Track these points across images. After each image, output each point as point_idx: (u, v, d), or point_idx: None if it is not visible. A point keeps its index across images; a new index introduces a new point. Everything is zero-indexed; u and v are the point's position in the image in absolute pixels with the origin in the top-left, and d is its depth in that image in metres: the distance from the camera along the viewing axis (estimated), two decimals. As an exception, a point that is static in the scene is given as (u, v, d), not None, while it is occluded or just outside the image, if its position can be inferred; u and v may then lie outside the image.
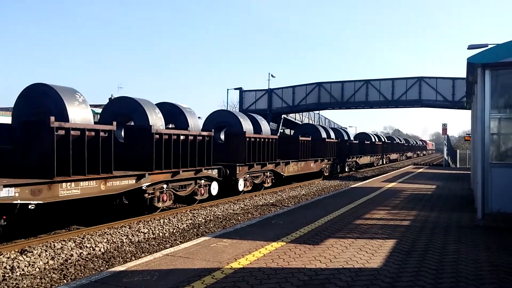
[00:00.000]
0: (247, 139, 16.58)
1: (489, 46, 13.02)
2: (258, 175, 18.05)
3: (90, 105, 10.62)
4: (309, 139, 24.04)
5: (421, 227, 8.59)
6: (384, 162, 46.23)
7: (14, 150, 9.62)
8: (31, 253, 8.01)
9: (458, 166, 39.95)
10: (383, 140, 48.49)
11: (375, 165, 41.80)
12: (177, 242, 9.47)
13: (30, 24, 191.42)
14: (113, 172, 10.36)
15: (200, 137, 13.82)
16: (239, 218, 12.37)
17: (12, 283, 6.68)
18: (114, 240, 9.34)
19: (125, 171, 11.10)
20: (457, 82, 31.35)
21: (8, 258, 7.69)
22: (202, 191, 14.13)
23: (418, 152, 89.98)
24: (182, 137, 12.83)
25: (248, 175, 17.02)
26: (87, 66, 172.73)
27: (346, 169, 31.09)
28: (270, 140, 18.70)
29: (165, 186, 12.40)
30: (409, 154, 72.49)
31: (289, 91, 38.05)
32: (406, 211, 10.64)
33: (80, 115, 10.02)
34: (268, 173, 18.94)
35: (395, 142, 58.77)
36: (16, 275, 7.05)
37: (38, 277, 7.06)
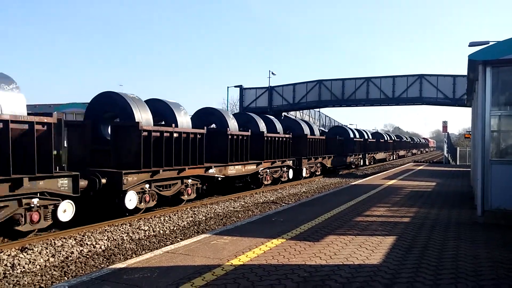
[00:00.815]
0: (308, 139, 22.97)
1: (490, 43, 13.00)
2: (312, 166, 24.20)
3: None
4: (343, 138, 30.86)
5: (421, 224, 8.60)
6: (394, 158, 52.52)
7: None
8: (31, 251, 8.03)
9: (458, 163, 39.91)
10: (393, 138, 54.66)
11: (387, 160, 47.39)
12: (178, 239, 9.49)
13: (30, 24, 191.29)
14: (248, 160, 17.01)
15: (285, 138, 20.20)
16: (239, 215, 12.39)
17: (13, 280, 6.70)
18: (114, 238, 9.35)
19: (252, 160, 17.41)
20: (458, 80, 31.31)
21: (8, 255, 7.71)
22: (285, 175, 20.53)
23: (422, 149, 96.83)
24: (277, 138, 19.36)
25: (307, 166, 23.18)
26: (87, 65, 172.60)
27: (367, 163, 37.33)
28: (320, 140, 25.29)
29: (268, 170, 18.80)
30: (414, 151, 79.15)
31: (289, 88, 38.00)
32: (406, 208, 10.64)
33: (233, 125, 16.67)
34: (318, 164, 25.24)
35: (403, 140, 66.17)
36: (17, 272, 7.07)
37: (39, 274, 7.08)
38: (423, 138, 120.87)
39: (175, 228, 10.61)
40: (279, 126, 21.36)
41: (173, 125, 12.77)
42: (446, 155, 39.82)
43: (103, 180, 10.71)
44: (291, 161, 21.05)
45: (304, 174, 22.56)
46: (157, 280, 5.03)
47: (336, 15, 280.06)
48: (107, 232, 9.75)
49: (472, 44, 20.26)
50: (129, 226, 10.41)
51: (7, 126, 8.05)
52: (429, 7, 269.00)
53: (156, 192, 12.08)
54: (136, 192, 11.30)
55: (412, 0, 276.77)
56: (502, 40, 9.04)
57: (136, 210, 11.43)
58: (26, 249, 8.11)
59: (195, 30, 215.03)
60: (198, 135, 13.44)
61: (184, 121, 13.71)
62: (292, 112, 40.94)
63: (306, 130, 23.94)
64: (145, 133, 11.43)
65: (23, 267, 7.30)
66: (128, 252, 8.49)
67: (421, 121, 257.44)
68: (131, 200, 11.08)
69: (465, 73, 11.41)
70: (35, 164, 8.47)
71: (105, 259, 8.06)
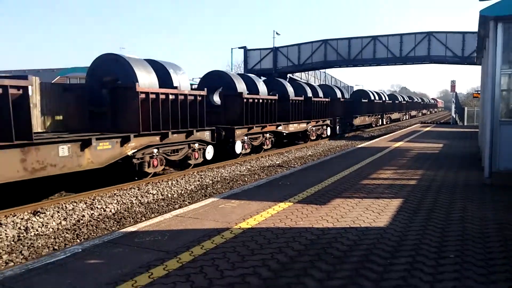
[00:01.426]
0: (341, 102, 28.19)
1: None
2: (343, 124, 28.91)
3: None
4: (367, 100, 35.05)
5: (428, 186, 8.63)
6: (407, 118, 56.60)
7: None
8: (43, 214, 8.20)
9: (465, 124, 39.63)
10: (406, 99, 58.56)
11: (401, 120, 51.73)
12: (186, 203, 9.63)
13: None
14: (302, 120, 21.75)
15: (325, 102, 25.09)
16: (246, 179, 12.49)
17: (27, 243, 6.89)
18: (124, 201, 9.51)
19: (302, 120, 21.99)
20: (467, 37, 30.50)
21: (22, 219, 7.89)
22: (325, 133, 25.60)
23: (431, 110, 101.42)
24: (320, 102, 24.17)
25: (340, 124, 28.07)
26: (89, 30, 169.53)
27: (385, 122, 41.92)
28: (350, 102, 30.58)
29: (314, 128, 23.78)
30: (424, 111, 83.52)
31: (294, 49, 37.31)
32: (413, 171, 10.66)
33: (291, 92, 21.30)
34: (347, 123, 29.92)
35: (414, 101, 71.52)
36: (31, 235, 7.25)
37: (52, 236, 7.26)
38: (432, 99, 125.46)
39: (182, 192, 10.74)
40: (320, 92, 25.81)
41: (260, 94, 17.66)
42: (454, 116, 39.48)
43: (223, 133, 15.34)
44: (329, 120, 26.01)
45: (337, 132, 27.46)
46: (168, 243, 5.13)
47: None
48: (117, 196, 9.90)
49: None
50: (138, 190, 10.55)
51: (186, 98, 12.63)
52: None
53: (249, 142, 16.96)
54: (240, 142, 16.02)
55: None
56: (516, -4, 8.71)
57: (240, 154, 16.32)
58: (39, 213, 8.28)
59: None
60: (272, 101, 18.00)
61: (263, 89, 18.41)
62: (297, 74, 40.41)
63: (339, 94, 28.44)
64: (245, 100, 16.09)
65: (36, 230, 7.48)
66: (138, 216, 8.65)
67: (427, 84, 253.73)
68: (238, 147, 15.87)
69: (475, 29, 11.07)
70: (197, 121, 13.21)
71: (115, 222, 8.23)
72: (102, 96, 11.65)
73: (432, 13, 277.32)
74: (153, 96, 11.40)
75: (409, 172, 10.39)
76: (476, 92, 36.22)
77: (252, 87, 17.83)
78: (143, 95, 11.07)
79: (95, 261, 4.62)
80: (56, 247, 6.83)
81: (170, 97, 11.98)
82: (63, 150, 9.04)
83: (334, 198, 7.56)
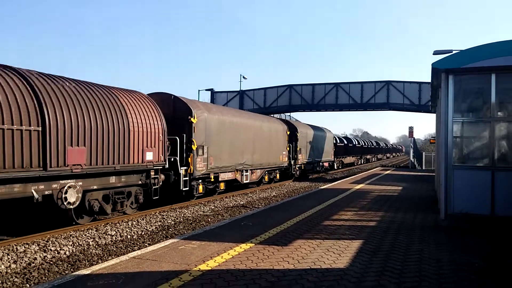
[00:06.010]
0: None
1: (453, 52, 13.45)
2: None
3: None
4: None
5: (387, 227, 8.78)
6: (362, 162, 59.26)
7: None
8: (-9, 257, 7.72)
9: (423, 168, 41.04)
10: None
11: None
12: (146, 244, 9.34)
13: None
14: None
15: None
16: (209, 219, 12.31)
17: (-29, 289, 6.44)
18: (80, 243, 9.12)
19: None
20: (423, 86, 32.28)
21: (-34, 262, 7.40)
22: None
23: (394, 154, 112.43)
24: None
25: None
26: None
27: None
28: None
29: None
30: (388, 155, 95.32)
31: (260, 92, 38.16)
32: (373, 212, 10.85)
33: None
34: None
35: (383, 146, 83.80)
36: (-25, 280, 6.79)
37: (-1, 282, 6.82)
38: (398, 144, 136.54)
39: (143, 233, 10.44)
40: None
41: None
42: (412, 160, 40.87)
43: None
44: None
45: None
46: (122, 287, 4.94)
47: (308, 19, 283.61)
48: (72, 237, 9.50)
49: (436, 53, 20.92)
50: (96, 231, 10.18)
51: (337, 143, 36.55)
52: (399, 15, 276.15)
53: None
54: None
55: (382, 8, 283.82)
56: (464, 50, 9.40)
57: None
58: (-15, 256, 7.80)
59: (168, 31, 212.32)
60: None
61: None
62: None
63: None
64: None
65: (-18, 275, 7.01)
66: (93, 258, 8.29)
67: (388, 129, 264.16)
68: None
69: (430, 79, 11.76)
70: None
71: (69, 265, 7.84)
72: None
73: (392, 64, 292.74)
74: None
75: (369, 214, 10.57)
76: (432, 138, 37.89)
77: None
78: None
79: (43, 305, 4.37)
80: (2, 293, 6.41)
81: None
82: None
83: (296, 239, 7.55)
